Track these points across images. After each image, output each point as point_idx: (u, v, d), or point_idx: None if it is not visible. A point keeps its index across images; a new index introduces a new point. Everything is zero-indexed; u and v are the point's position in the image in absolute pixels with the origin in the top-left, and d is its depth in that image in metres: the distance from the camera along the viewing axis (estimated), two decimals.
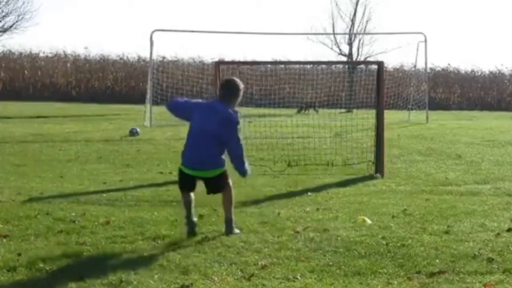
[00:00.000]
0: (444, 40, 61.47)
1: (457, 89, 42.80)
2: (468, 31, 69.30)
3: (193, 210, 6.52)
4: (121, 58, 42.44)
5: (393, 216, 7.46)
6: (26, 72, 39.91)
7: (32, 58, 41.52)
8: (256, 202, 8.37)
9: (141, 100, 27.18)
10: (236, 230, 6.52)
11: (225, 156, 6.52)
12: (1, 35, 33.06)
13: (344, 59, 37.17)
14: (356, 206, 8.18)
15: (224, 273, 5.29)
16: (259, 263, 5.53)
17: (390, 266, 5.50)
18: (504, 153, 14.51)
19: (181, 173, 6.52)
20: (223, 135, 6.30)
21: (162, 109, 9.55)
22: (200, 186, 6.59)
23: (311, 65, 36.15)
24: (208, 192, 6.61)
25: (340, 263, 5.56)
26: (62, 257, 5.67)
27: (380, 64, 11.52)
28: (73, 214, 7.38)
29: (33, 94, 38.05)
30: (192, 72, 30.78)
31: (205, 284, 5.04)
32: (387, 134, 12.35)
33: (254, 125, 15.08)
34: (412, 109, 28.11)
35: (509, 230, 6.78)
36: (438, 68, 43.11)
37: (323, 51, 69.54)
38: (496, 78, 43.99)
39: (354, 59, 36.93)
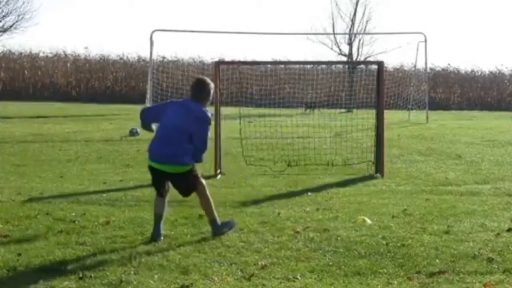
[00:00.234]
0: (444, 40, 61.59)
1: (457, 89, 42.82)
2: (468, 31, 69.45)
3: (162, 225, 6.40)
4: (121, 58, 42.52)
5: (393, 216, 7.47)
6: (26, 72, 39.96)
7: (32, 58, 41.57)
8: (256, 202, 8.37)
9: (141, 100, 27.15)
10: (224, 228, 6.46)
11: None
12: (1, 35, 33.05)
13: (344, 59, 37.17)
14: (356, 206, 8.18)
15: (224, 273, 5.29)
16: (259, 263, 5.53)
17: (390, 266, 5.50)
18: (504, 153, 14.51)
19: (150, 169, 6.44)
20: (195, 132, 6.30)
21: None
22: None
23: (311, 65, 36.09)
24: (182, 193, 6.53)
25: (340, 263, 5.56)
26: (62, 257, 5.67)
27: (380, 64, 11.53)
28: (73, 214, 7.39)
29: (33, 94, 38.10)
30: (192, 72, 30.68)
31: (205, 284, 5.04)
32: (387, 134, 12.36)
33: (254, 125, 15.06)
34: (412, 109, 28.13)
35: (509, 230, 6.79)
36: (438, 68, 43.16)
37: (323, 51, 69.87)
38: (496, 78, 43.99)
39: (354, 59, 36.93)
